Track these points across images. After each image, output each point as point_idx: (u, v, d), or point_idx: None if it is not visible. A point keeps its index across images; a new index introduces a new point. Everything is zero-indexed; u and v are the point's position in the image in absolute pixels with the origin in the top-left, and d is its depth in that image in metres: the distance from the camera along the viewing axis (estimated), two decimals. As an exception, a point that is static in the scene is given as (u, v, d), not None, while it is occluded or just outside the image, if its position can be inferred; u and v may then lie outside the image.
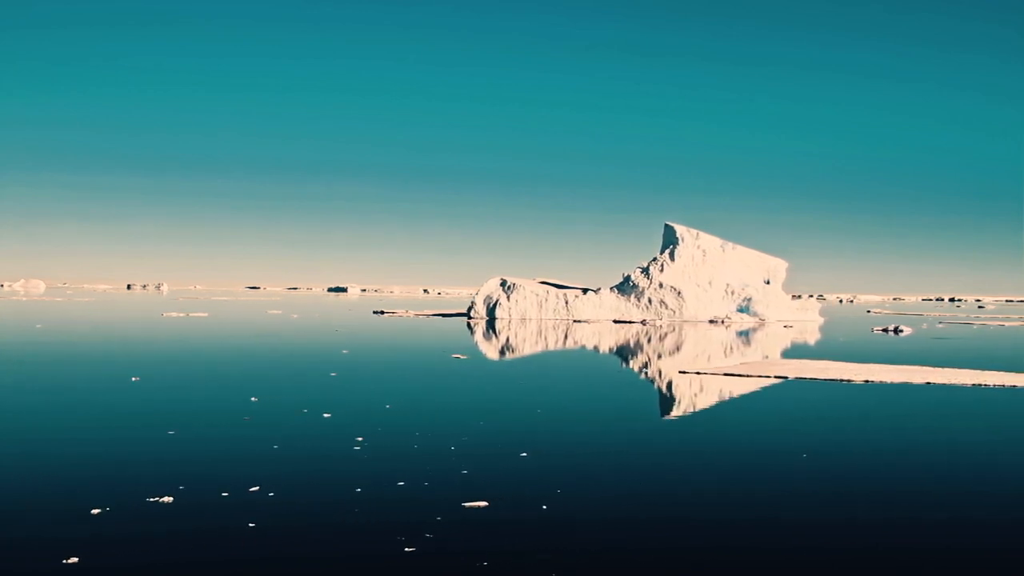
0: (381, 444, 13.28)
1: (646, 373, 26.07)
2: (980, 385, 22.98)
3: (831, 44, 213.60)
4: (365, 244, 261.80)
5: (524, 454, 12.73)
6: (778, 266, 69.23)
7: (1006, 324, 69.74)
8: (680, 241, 66.49)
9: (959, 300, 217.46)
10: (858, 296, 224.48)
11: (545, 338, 42.82)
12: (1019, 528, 9.49)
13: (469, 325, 55.25)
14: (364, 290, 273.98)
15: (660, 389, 22.54)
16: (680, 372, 25.90)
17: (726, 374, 25.34)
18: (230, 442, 13.40)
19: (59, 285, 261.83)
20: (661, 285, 64.99)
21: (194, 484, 10.38)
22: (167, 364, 26.12)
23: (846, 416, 17.90)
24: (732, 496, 10.61)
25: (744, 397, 20.99)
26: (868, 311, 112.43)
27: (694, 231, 67.10)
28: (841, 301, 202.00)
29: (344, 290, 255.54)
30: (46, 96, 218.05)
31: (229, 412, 16.23)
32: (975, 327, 64.16)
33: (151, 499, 9.61)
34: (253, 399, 17.93)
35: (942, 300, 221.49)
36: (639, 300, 65.13)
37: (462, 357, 30.00)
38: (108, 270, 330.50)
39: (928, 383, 23.28)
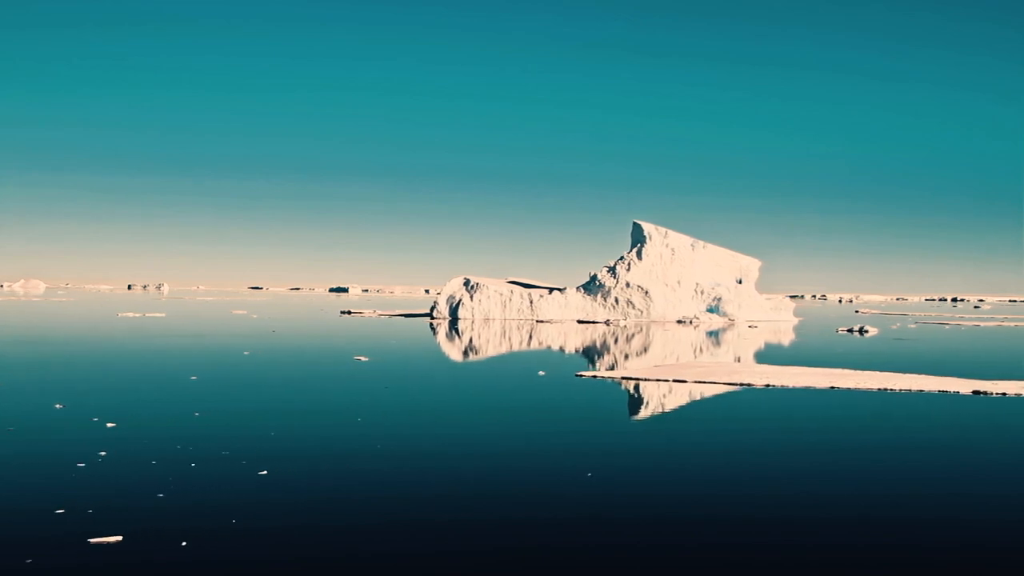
0: (117, 459, 11.76)
1: (541, 376, 24.46)
2: (885, 390, 21.33)
3: (831, 44, 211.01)
4: (366, 244, 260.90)
5: (263, 472, 11.20)
6: (750, 265, 67.32)
7: (981, 325, 67.44)
8: (648, 239, 64.66)
9: (961, 300, 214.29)
10: (860, 296, 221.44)
11: (497, 340, 41.21)
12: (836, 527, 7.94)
13: (431, 326, 53.75)
14: (366, 290, 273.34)
15: (543, 393, 20.95)
16: (576, 375, 24.29)
17: (624, 378, 23.76)
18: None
19: (60, 285, 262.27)
20: (628, 284, 63.25)
21: None
22: (25, 367, 24.75)
23: (712, 419, 16.30)
24: (553, 499, 9.12)
25: (618, 401, 19.39)
26: (856, 311, 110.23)
27: (663, 229, 65.24)
28: (841, 301, 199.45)
29: (345, 290, 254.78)
30: (46, 96, 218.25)
31: (2, 422, 14.77)
32: (947, 328, 62.03)
33: None
34: (58, 406, 16.48)
35: (944, 300, 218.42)
36: (606, 300, 63.43)
37: (363, 359, 28.52)
38: (109, 270, 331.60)
39: (832, 387, 21.64)
